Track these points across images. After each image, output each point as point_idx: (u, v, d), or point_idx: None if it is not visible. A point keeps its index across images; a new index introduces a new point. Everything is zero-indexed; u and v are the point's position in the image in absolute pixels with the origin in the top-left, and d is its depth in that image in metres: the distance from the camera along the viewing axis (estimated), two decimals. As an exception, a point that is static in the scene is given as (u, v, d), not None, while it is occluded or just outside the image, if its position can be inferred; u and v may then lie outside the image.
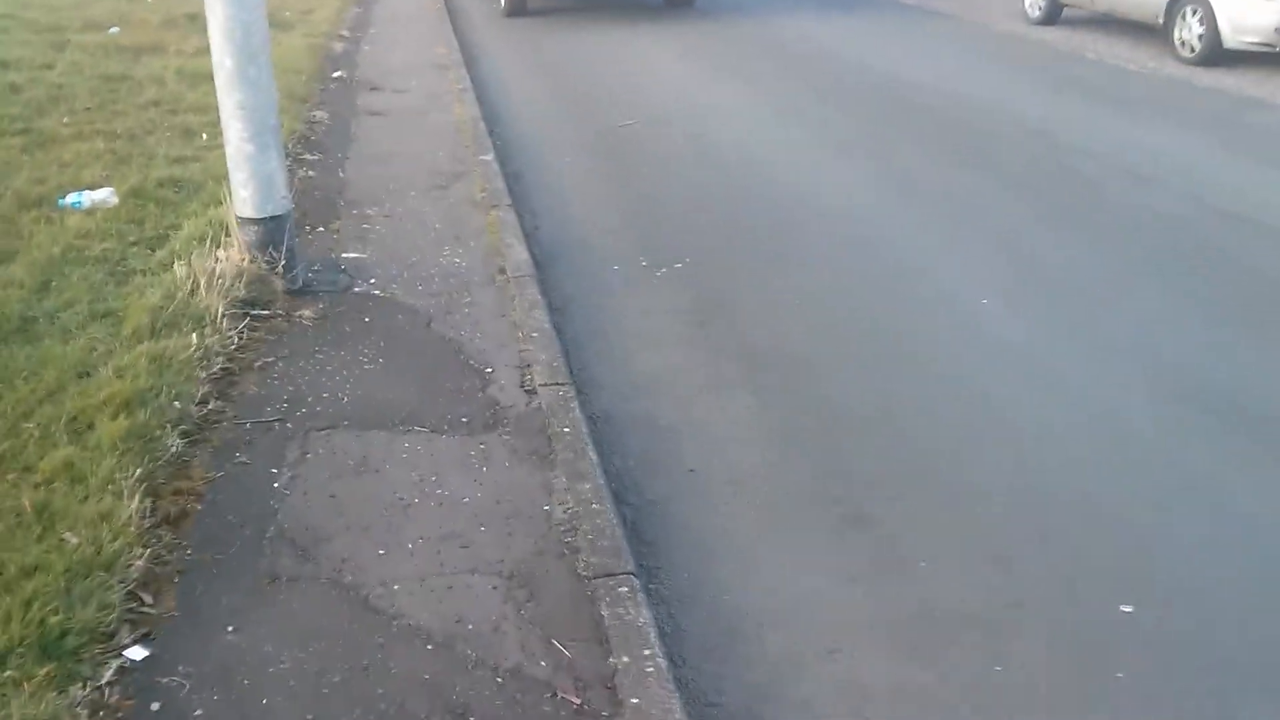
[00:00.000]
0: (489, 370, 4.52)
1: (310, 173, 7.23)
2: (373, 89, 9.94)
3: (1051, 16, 14.23)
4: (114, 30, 11.37)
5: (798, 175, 7.55)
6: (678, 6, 15.38)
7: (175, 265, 4.99)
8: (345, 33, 12.74)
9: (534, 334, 4.86)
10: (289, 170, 6.96)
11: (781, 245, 6.22)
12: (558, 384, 4.41)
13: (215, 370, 4.31)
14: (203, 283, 4.83)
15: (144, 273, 5.11)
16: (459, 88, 9.98)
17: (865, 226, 6.52)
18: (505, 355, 4.66)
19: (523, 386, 4.38)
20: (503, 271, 5.62)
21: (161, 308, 4.61)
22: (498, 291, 5.36)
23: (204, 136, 7.48)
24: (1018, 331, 5.10)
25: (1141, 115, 9.29)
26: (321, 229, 6.17)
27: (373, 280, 5.46)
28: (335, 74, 10.47)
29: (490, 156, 7.68)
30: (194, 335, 4.43)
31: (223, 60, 4.91)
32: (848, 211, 6.76)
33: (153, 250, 5.45)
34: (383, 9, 15.01)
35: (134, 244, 5.53)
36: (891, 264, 5.96)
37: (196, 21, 11.18)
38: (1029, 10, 14.58)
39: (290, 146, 7.61)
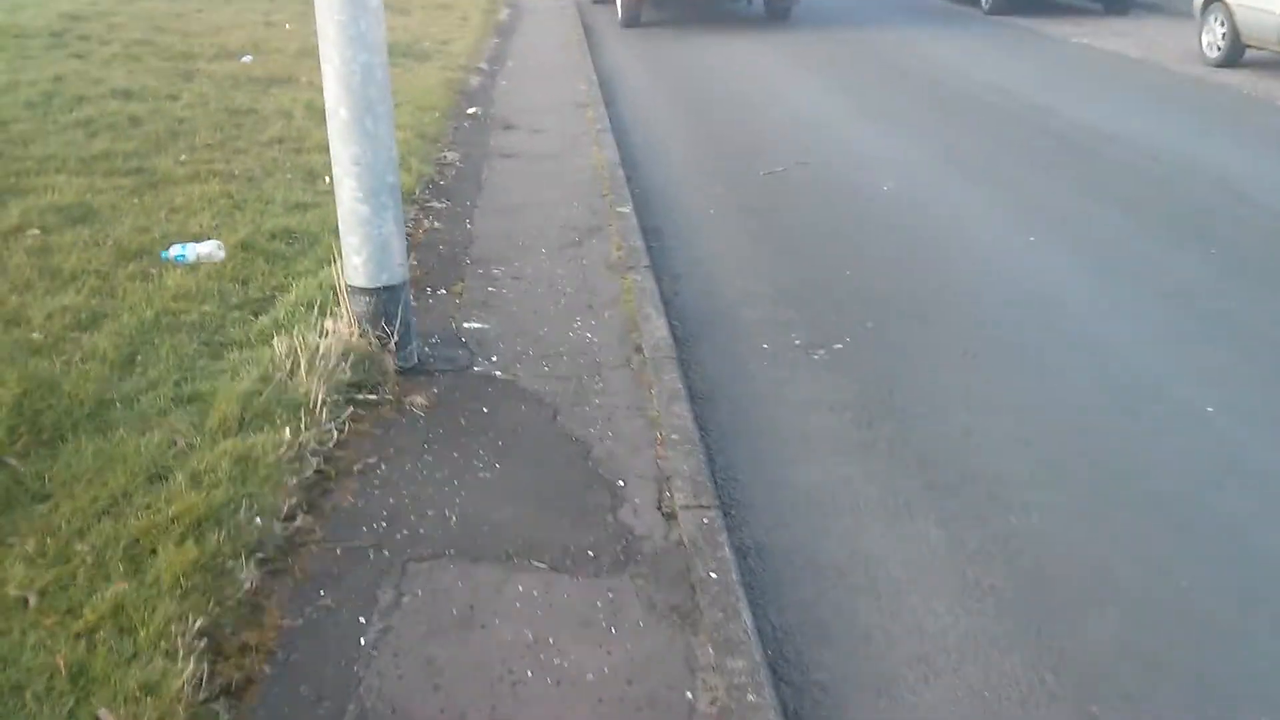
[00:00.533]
0: (621, 484, 3.81)
1: (436, 224, 6.67)
2: (507, 127, 9.39)
3: (1233, 58, 13.02)
4: (246, 59, 11.09)
5: (981, 244, 6.71)
6: (777, 17, 16.77)
7: (275, 340, 4.41)
8: (483, 65, 12.28)
9: (674, 435, 4.15)
10: (413, 220, 6.42)
11: (963, 329, 5.40)
12: (702, 506, 3.68)
13: (308, 475, 3.68)
14: (304, 362, 4.23)
15: (242, 345, 4.56)
16: (597, 128, 9.37)
17: (1070, 319, 5.65)
18: (640, 463, 3.95)
19: (660, 508, 3.67)
20: (639, 350, 4.92)
21: (255, 393, 4.02)
22: (633, 376, 4.66)
23: (326, 180, 6.97)
24: None
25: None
26: (443, 291, 5.57)
27: (495, 358, 4.81)
28: (470, 110, 9.96)
29: (628, 209, 7.02)
30: (288, 430, 3.82)
31: (337, 109, 4.32)
32: (1045, 295, 5.89)
33: (255, 316, 4.91)
34: (522, 40, 14.56)
35: (236, 307, 5.00)
36: (1112, 370, 5.09)
37: None
38: (1206, 50, 13.39)
39: (417, 193, 7.07)
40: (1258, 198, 7.51)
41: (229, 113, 8.74)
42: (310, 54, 10.77)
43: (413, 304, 4.75)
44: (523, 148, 8.66)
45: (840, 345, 5.21)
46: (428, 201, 7.04)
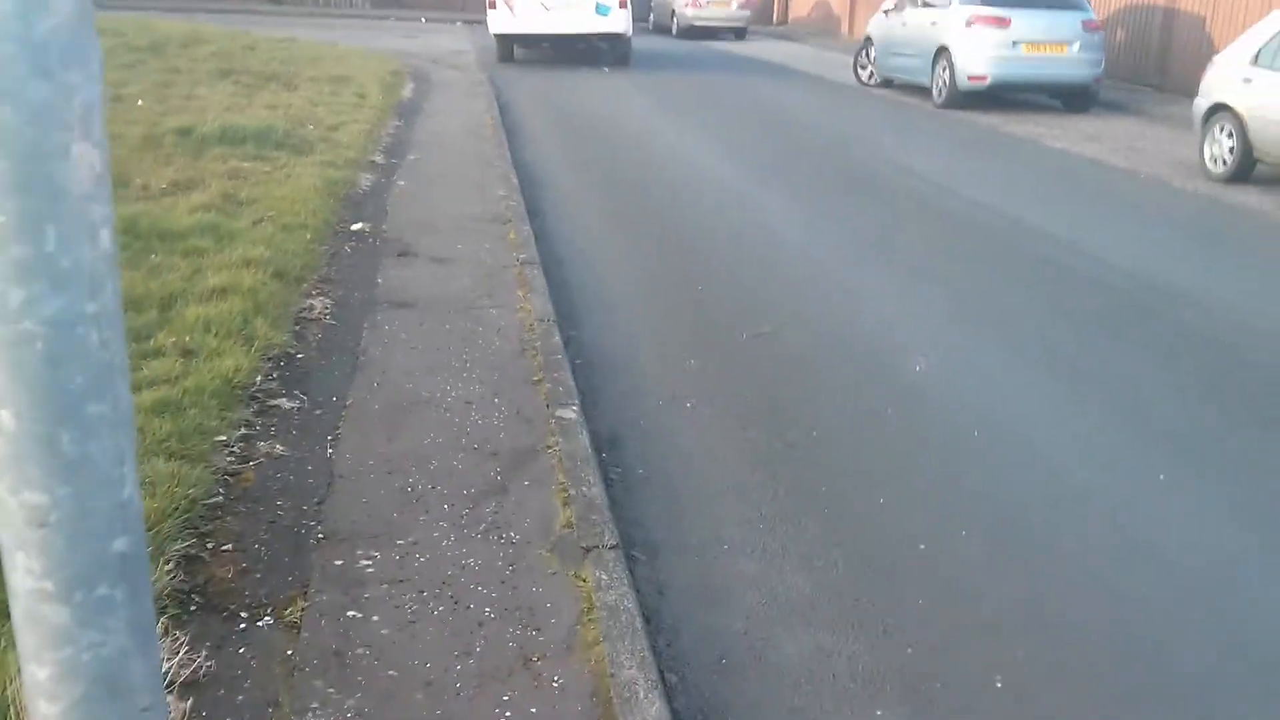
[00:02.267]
0: None
1: (278, 447, 4.23)
2: (403, 254, 6.99)
3: (1242, 173, 11.19)
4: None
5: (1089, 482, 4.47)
6: (616, 66, 19.48)
7: None
8: (378, 158, 9.85)
9: None
10: (241, 443, 3.97)
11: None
12: None
13: None
14: None
15: None
16: (521, 256, 7.02)
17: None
18: None
19: None
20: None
21: None
22: None
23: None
24: None
25: None
26: (269, 619, 3.11)
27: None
28: (356, 226, 7.53)
29: (573, 412, 4.66)
30: None
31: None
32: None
33: None
34: (428, 123, 12.17)
35: None
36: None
37: (189, 138, 8.36)
38: (1210, 164, 11.55)
39: (258, 383, 4.62)
40: None
41: None
42: (157, 144, 8.28)
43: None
44: (422, 291, 6.25)
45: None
46: (272, 400, 4.59)
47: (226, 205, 7.20)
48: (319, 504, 3.78)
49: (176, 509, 3.41)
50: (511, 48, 20.18)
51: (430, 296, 6.16)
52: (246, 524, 3.59)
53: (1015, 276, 7.39)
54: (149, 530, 3.03)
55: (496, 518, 3.76)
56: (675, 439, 4.69)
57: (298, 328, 5.47)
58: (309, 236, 6.84)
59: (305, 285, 6.09)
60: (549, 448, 4.32)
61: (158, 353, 4.74)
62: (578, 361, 5.52)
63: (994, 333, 6.24)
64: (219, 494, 3.74)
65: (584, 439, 4.42)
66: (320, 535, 3.59)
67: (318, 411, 4.56)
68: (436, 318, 5.81)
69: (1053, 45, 15.90)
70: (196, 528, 3.48)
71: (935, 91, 16.52)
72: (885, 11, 18.70)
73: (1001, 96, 15.95)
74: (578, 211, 8.95)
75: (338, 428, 4.41)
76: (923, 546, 3.86)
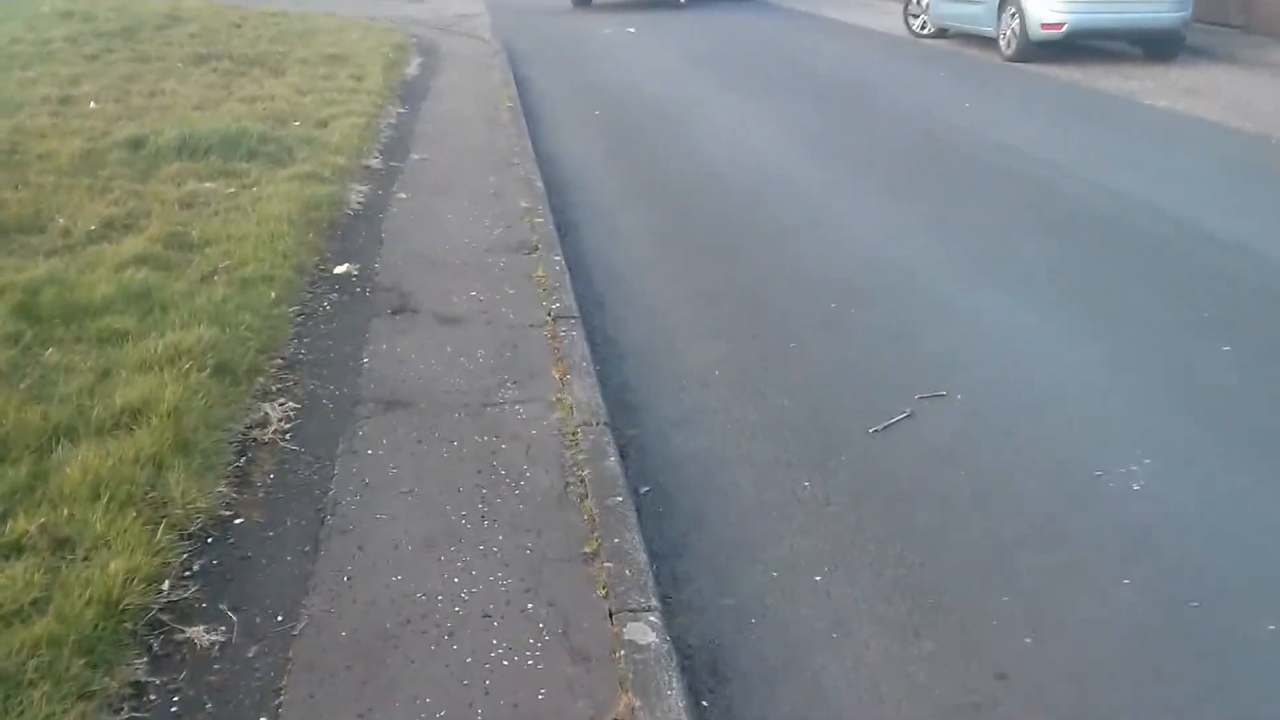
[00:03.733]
0: None
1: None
2: (399, 310, 5.24)
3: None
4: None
5: None
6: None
7: None
8: (374, 161, 8.06)
9: None
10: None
11: None
12: None
13: None
14: None
15: None
16: (553, 307, 5.29)
17: None
18: None
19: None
20: None
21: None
22: None
23: None
24: None
25: None
26: None
27: None
28: (340, 268, 5.76)
29: (651, 633, 2.90)
30: None
31: None
32: None
33: None
34: (435, 109, 10.34)
35: None
36: None
37: (139, 153, 6.65)
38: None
39: (165, 591, 2.91)
40: None
41: None
42: (101, 162, 6.55)
43: None
44: (422, 377, 4.51)
45: None
46: (181, 629, 2.86)
47: (170, 253, 5.45)
48: None
49: None
50: None
51: (433, 388, 4.41)
52: None
53: (1156, 283, 5.55)
54: None
55: None
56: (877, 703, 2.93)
57: (240, 464, 3.73)
58: (274, 294, 5.09)
59: (260, 380, 4.34)
60: (613, 661, 2.58)
61: (16, 549, 3.03)
62: (644, 492, 3.77)
63: (1219, 423, 4.43)
64: None
65: (675, 699, 2.67)
66: None
67: (250, 651, 2.83)
68: (440, 430, 4.06)
69: (1137, -15, 13.82)
70: None
71: (1002, 42, 14.51)
72: (940, -48, 16.63)
73: (1075, 44, 13.92)
74: (619, 224, 7.16)
75: (279, 692, 2.67)
76: None
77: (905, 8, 17.42)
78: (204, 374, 4.16)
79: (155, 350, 4.28)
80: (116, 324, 4.53)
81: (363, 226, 6.58)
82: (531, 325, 5.11)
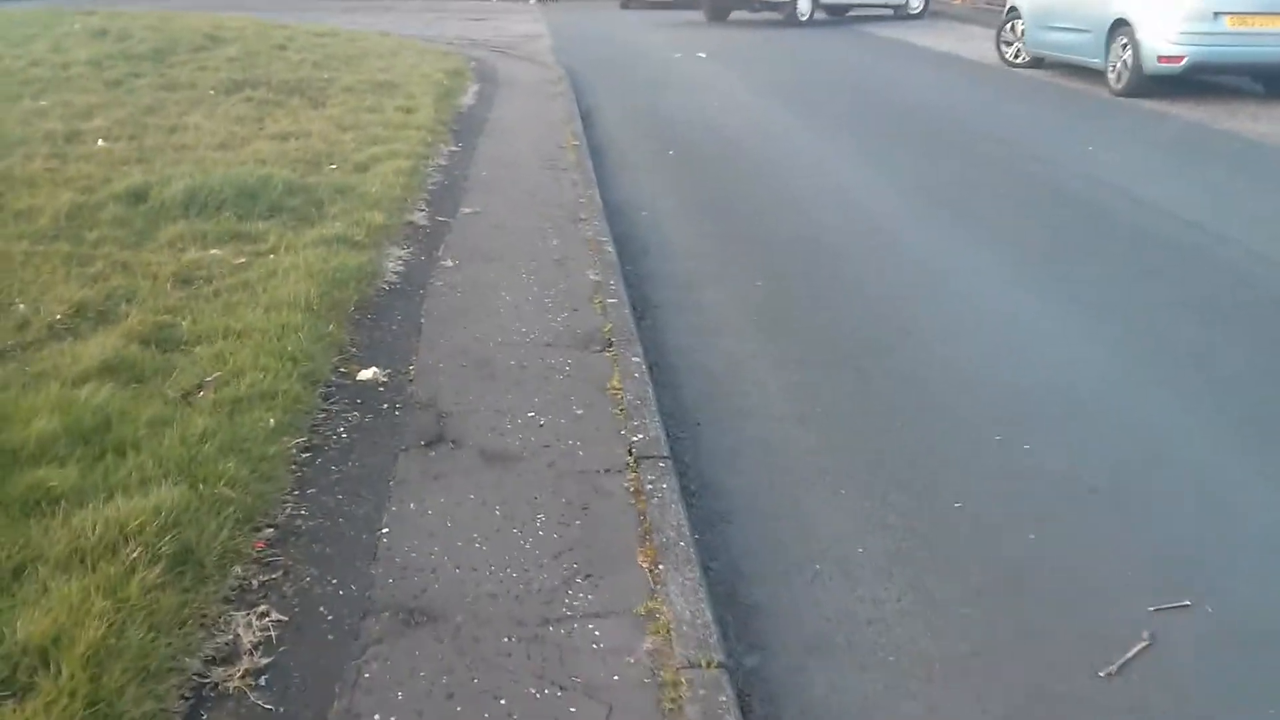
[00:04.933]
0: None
1: None
2: (433, 442, 3.98)
3: None
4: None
5: None
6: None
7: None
8: (419, 216, 6.82)
9: None
10: None
11: None
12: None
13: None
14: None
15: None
16: (633, 442, 4.00)
17: None
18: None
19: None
20: None
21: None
22: None
23: None
24: None
25: None
26: None
27: None
28: (365, 374, 4.50)
29: None
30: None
31: None
32: None
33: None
34: (492, 148, 9.10)
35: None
36: None
37: (139, 208, 5.49)
38: None
39: None
40: None
41: None
42: (91, 221, 5.38)
43: None
44: (459, 566, 3.28)
45: None
46: None
47: (147, 356, 4.22)
48: None
49: None
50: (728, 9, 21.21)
51: (473, 586, 3.14)
52: None
53: None
54: None
55: None
56: None
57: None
58: (273, 422, 3.82)
59: (236, 572, 3.05)
60: None
61: None
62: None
63: None
64: None
65: None
66: None
67: None
68: (481, 670, 2.78)
69: (1264, 17, 12.35)
70: None
71: (1111, 75, 13.07)
72: (1037, -26, 15.20)
73: (1191, 79, 12.44)
74: (706, 301, 5.88)
75: None
76: None
77: (998, 34, 16.02)
78: (154, 570, 2.89)
79: (92, 530, 3.01)
80: (52, 479, 3.29)
81: (398, 308, 5.32)
82: (607, 470, 3.81)
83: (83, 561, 2.95)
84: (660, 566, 3.24)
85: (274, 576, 3.14)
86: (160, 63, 10.95)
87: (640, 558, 3.30)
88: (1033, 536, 3.61)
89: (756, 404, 4.64)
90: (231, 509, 3.28)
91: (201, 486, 3.35)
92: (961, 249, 6.76)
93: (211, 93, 9.71)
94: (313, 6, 21.40)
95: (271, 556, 3.24)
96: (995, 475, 4.02)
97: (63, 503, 3.20)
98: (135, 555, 2.98)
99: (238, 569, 3.13)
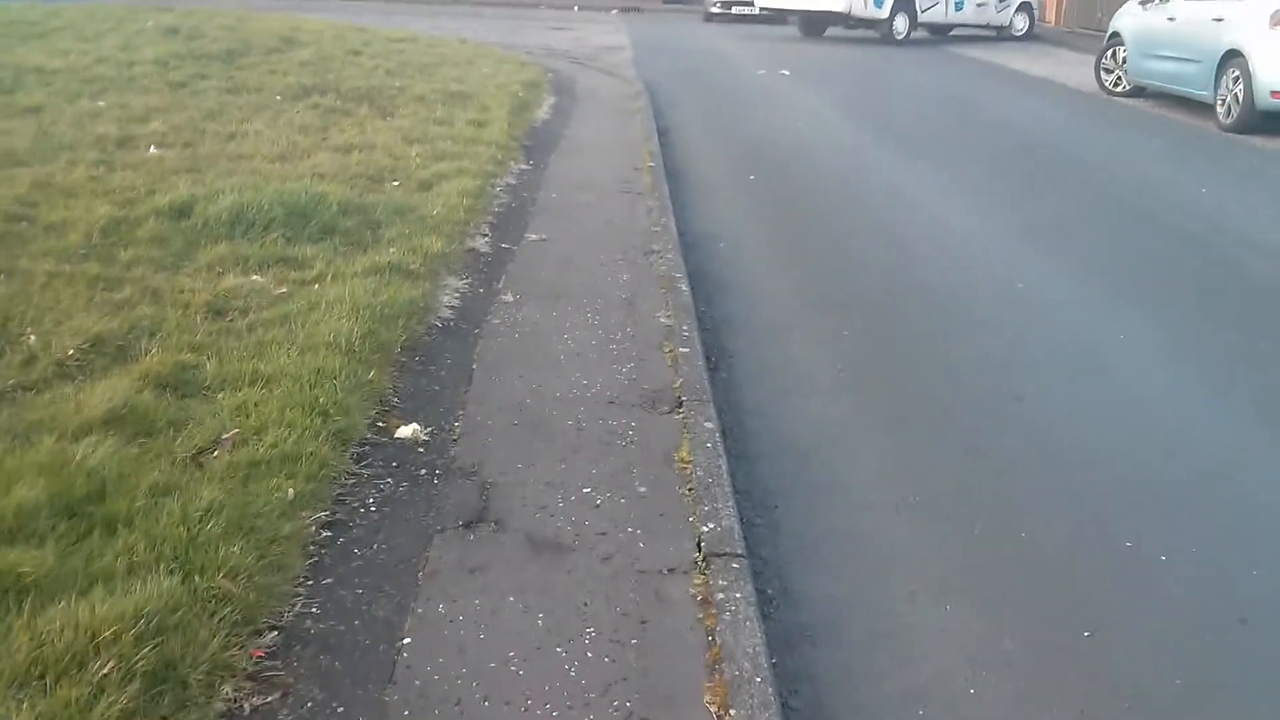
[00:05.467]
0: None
1: None
2: (473, 522, 3.45)
3: None
4: None
5: None
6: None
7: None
8: (481, 243, 6.32)
9: None
10: None
11: None
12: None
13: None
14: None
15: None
16: (701, 535, 3.43)
17: None
18: None
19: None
20: None
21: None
22: None
23: None
24: None
25: None
26: None
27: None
28: (403, 431, 3.97)
29: None
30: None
31: None
32: None
33: None
34: (564, 168, 8.58)
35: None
36: None
37: (181, 224, 5.07)
38: None
39: None
40: None
41: None
42: (127, 238, 4.97)
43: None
44: (488, 699, 2.75)
45: None
46: None
47: (161, 405, 3.73)
48: None
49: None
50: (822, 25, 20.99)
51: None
52: None
53: None
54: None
55: None
56: None
57: None
58: (292, 491, 3.31)
59: (226, 693, 2.54)
60: None
61: None
62: None
63: None
64: None
65: None
66: None
67: None
68: None
69: (1389, 52, 11.44)
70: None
71: (1220, 108, 12.22)
72: (1142, 1, 14.37)
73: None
74: (792, 354, 5.28)
75: None
76: None
77: (1098, 61, 15.21)
78: (126, 692, 2.38)
79: (58, 637, 2.50)
80: (24, 563, 2.79)
81: (449, 350, 4.79)
82: (671, 569, 3.24)
83: (42, 677, 2.44)
84: (731, 713, 2.64)
85: (270, 700, 2.60)
86: (230, 65, 10.61)
87: (707, 696, 2.71)
88: (1178, 681, 2.95)
89: (845, 484, 4.03)
90: (229, 610, 2.75)
91: (198, 579, 2.84)
92: (1083, 303, 6.08)
93: (278, 98, 9.31)
94: (400, 10, 21.15)
95: (270, 670, 2.70)
96: (1140, 600, 3.36)
97: (31, 595, 2.68)
98: (106, 671, 2.46)
99: (228, 688, 2.60)
